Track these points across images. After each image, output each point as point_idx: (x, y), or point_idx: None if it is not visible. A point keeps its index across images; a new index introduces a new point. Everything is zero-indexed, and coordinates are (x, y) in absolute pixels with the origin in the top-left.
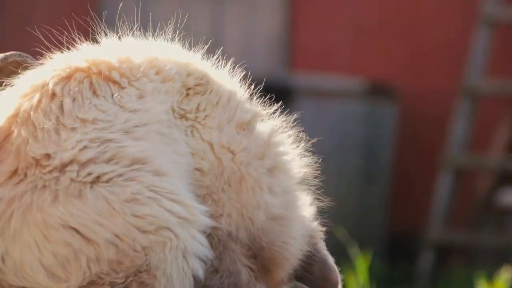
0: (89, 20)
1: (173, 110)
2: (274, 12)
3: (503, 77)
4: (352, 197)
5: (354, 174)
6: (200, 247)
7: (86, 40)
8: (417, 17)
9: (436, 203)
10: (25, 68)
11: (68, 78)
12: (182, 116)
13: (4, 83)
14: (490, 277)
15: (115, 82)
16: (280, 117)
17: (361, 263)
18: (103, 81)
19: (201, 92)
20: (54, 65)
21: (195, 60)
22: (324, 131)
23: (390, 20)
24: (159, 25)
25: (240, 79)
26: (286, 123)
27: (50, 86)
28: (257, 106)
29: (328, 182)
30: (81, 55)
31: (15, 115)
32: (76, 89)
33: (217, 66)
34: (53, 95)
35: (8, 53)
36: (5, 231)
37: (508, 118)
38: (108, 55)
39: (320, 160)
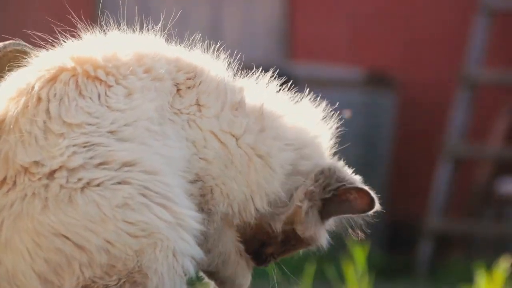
0: (86, 15)
1: (165, 109)
2: (273, 1)
3: (502, 66)
4: None
5: (353, 164)
6: (189, 247)
7: (79, 34)
8: (416, 6)
9: (435, 193)
10: (24, 57)
11: (53, 79)
12: (176, 113)
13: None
14: (489, 266)
15: (101, 81)
16: (263, 79)
17: (360, 253)
18: (88, 80)
19: (192, 86)
20: (39, 65)
21: (184, 53)
22: None
23: (389, 9)
24: (154, 17)
25: (223, 59)
26: (272, 84)
27: (36, 89)
28: (240, 80)
29: None
30: (66, 53)
31: (2, 120)
32: (62, 91)
33: (208, 53)
34: (39, 99)
35: (7, 42)
36: None
37: (506, 107)
38: (94, 52)
39: None
